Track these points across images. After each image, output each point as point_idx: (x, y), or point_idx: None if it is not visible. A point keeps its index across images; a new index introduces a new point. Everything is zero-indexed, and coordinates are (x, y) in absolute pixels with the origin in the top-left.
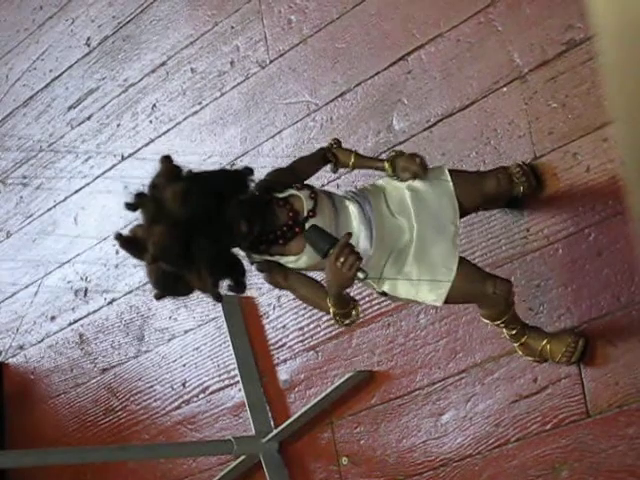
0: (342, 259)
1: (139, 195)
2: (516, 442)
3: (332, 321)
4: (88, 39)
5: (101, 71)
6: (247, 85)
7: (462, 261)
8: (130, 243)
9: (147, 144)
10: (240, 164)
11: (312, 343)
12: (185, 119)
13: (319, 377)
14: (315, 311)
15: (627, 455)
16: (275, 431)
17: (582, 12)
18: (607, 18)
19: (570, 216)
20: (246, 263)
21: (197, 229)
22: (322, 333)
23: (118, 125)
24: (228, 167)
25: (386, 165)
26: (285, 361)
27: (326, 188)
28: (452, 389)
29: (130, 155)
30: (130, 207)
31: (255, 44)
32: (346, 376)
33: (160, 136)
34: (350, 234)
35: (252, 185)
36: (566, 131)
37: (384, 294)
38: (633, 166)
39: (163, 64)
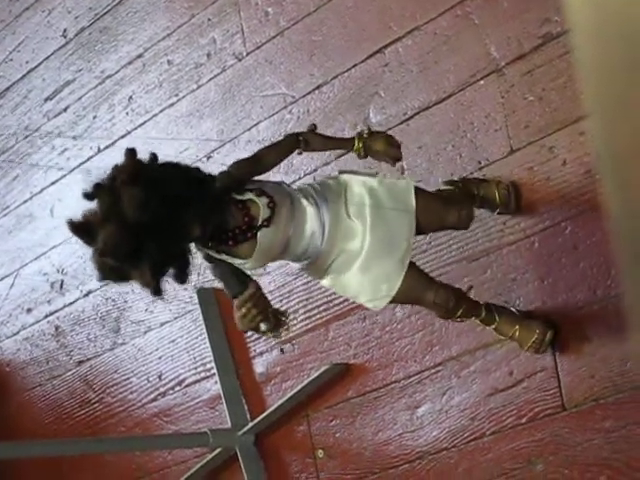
0: (244, 310)
1: (97, 186)
2: (492, 435)
3: (308, 314)
4: (65, 30)
5: (78, 63)
6: (224, 77)
7: (409, 269)
8: (81, 229)
9: (123, 136)
10: (217, 156)
11: (288, 336)
12: (162, 111)
13: (295, 370)
14: (290, 304)
15: (603, 448)
16: (251, 424)
17: (558, 6)
18: (583, 12)
19: (546, 210)
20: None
21: (148, 234)
22: (298, 326)
23: (94, 117)
24: (189, 165)
25: (355, 143)
26: (261, 354)
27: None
28: (428, 382)
29: (107, 147)
30: (87, 197)
31: (232, 36)
32: (322, 369)
33: (136, 128)
34: (256, 286)
35: (210, 182)
36: (542, 125)
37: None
38: (608, 160)
39: (140, 56)
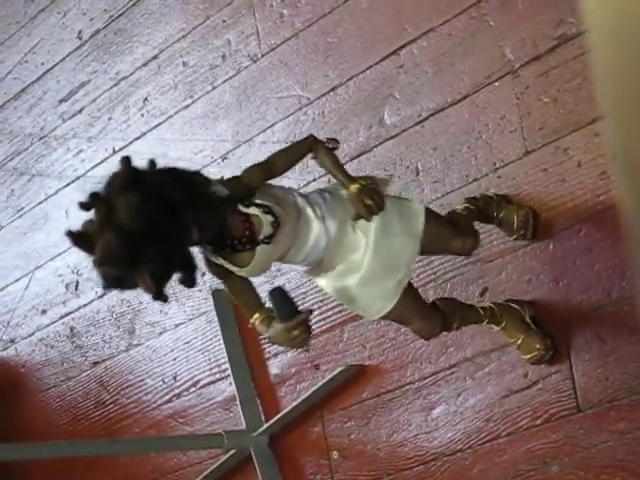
0: (296, 333)
1: (93, 196)
2: (507, 437)
3: (323, 315)
4: (80, 32)
5: (93, 64)
6: (239, 79)
7: (405, 294)
8: (80, 239)
9: (138, 137)
10: (232, 158)
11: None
12: (177, 113)
13: (310, 371)
14: (305, 305)
15: (617, 450)
16: (266, 425)
17: (574, 7)
18: (599, 13)
19: (561, 211)
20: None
21: (145, 240)
22: (313, 327)
23: (109, 118)
24: (189, 169)
25: (352, 188)
26: (276, 355)
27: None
28: (443, 384)
29: (121, 149)
30: (83, 207)
31: (247, 38)
32: (337, 370)
33: (151, 129)
34: (311, 312)
35: (214, 189)
36: (557, 126)
37: None
38: (624, 161)
39: (155, 57)
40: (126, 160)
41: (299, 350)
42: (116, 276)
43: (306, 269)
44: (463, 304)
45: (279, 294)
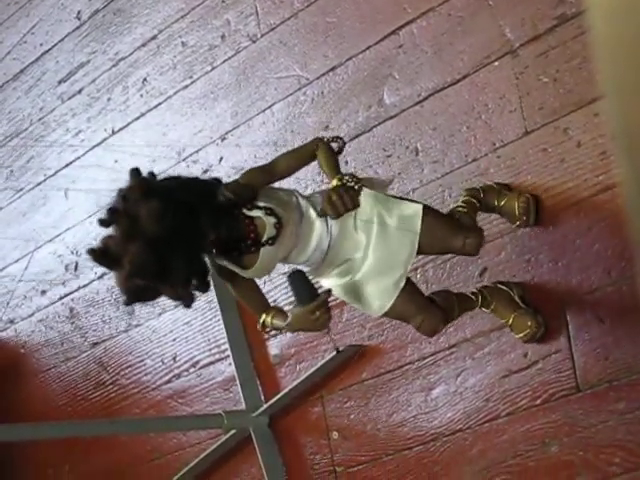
0: (318, 314)
1: (112, 211)
2: (506, 417)
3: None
4: (79, 12)
5: (92, 45)
6: (238, 59)
7: (404, 292)
8: (103, 257)
9: (138, 118)
10: (231, 138)
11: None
12: (176, 93)
13: (309, 352)
14: None
15: (617, 430)
16: (265, 405)
17: None
18: None
19: (562, 190)
20: None
21: (172, 245)
22: None
23: (109, 99)
24: (189, 176)
25: (335, 181)
26: (275, 335)
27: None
28: (442, 364)
29: (121, 129)
30: (104, 224)
31: (246, 18)
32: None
33: (151, 110)
34: (330, 292)
35: (221, 192)
36: (557, 106)
37: None
38: (624, 141)
39: (154, 38)
40: (136, 172)
41: (321, 332)
42: (142, 288)
43: (309, 269)
44: (456, 294)
45: (298, 278)
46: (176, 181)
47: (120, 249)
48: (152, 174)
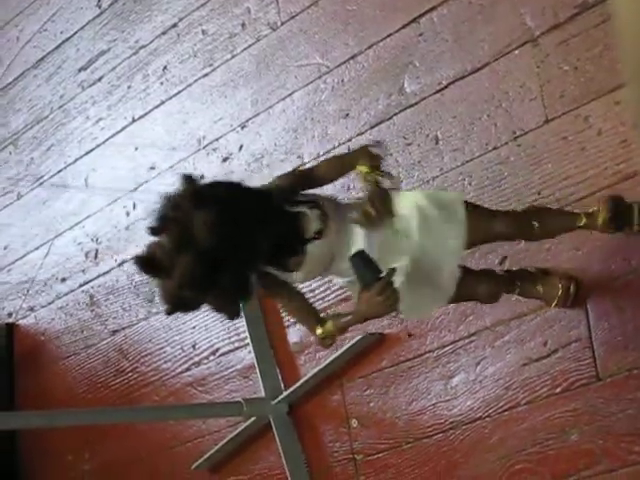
0: (386, 294)
1: (163, 218)
2: (526, 405)
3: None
4: (99, 0)
5: (112, 33)
6: (258, 47)
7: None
8: (149, 265)
9: (158, 106)
10: (251, 126)
11: (323, 305)
12: (196, 81)
13: None
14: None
15: (637, 418)
16: (285, 393)
17: None
18: None
19: (581, 179)
20: None
21: (224, 256)
22: (332, 295)
23: (129, 87)
24: (235, 181)
25: (362, 169)
26: (295, 323)
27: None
28: (462, 352)
29: (141, 117)
30: (154, 231)
31: (266, 6)
32: (356, 338)
33: (171, 98)
34: (394, 269)
35: (266, 194)
36: (578, 94)
37: None
38: None
39: (174, 26)
40: (189, 177)
41: (393, 315)
42: (188, 299)
43: (350, 280)
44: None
45: (361, 258)
46: (227, 188)
47: (170, 259)
48: (200, 177)
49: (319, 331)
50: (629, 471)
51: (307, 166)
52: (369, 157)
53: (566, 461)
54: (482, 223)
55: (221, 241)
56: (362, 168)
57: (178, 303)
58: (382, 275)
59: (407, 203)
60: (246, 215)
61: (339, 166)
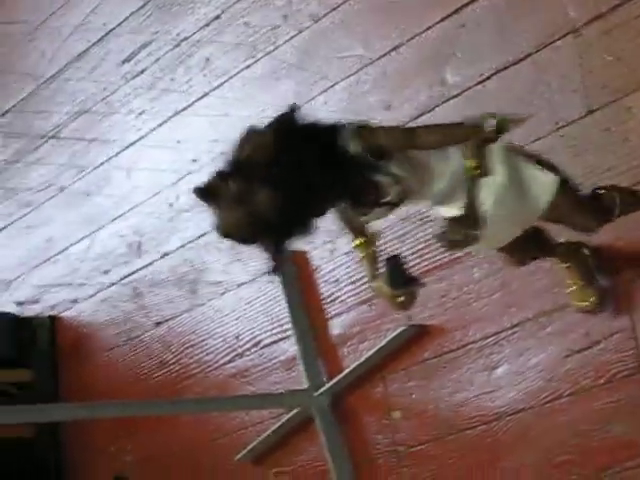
0: (401, 300)
1: (236, 166)
2: (568, 397)
3: None
4: None
5: (154, 25)
6: (300, 39)
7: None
8: (208, 194)
9: (200, 98)
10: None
11: (365, 297)
12: (238, 73)
13: (372, 331)
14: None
15: None
16: (327, 385)
17: None
18: None
19: (624, 170)
20: None
21: (275, 228)
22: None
23: (171, 79)
24: (331, 128)
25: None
26: (338, 315)
27: None
28: (505, 343)
29: (184, 109)
30: (221, 175)
31: None
32: (399, 330)
33: (213, 90)
34: (423, 285)
35: (347, 144)
36: (620, 85)
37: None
38: None
39: (217, 18)
40: (275, 132)
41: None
42: (255, 231)
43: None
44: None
45: (394, 264)
46: (310, 146)
47: (226, 200)
48: (295, 110)
49: (354, 242)
50: None
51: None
52: (476, 148)
53: (609, 453)
54: (562, 216)
55: (278, 220)
56: (468, 163)
57: (242, 233)
58: (411, 282)
59: (500, 164)
60: (310, 192)
61: (450, 136)
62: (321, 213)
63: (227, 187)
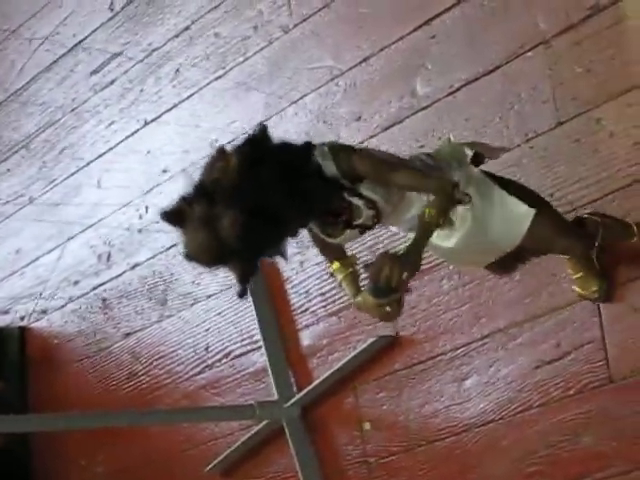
0: (388, 309)
1: (199, 190)
2: (539, 408)
3: None
4: (111, 3)
5: (124, 36)
6: (270, 50)
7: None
8: (173, 217)
9: (170, 109)
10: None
11: (335, 308)
12: (208, 84)
13: (342, 342)
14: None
15: None
16: (297, 396)
17: None
18: None
19: (594, 182)
20: None
21: (238, 253)
22: (345, 298)
23: (141, 90)
24: (304, 150)
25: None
26: (308, 326)
27: None
28: (475, 354)
29: (153, 120)
30: (185, 200)
31: (278, 8)
32: (369, 341)
33: (183, 101)
34: (409, 291)
35: (323, 164)
36: (590, 97)
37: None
38: None
39: (187, 28)
40: (241, 156)
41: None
42: (221, 254)
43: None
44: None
45: None
46: (276, 168)
47: (190, 221)
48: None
49: (332, 267)
50: None
51: (387, 160)
52: (441, 203)
53: (579, 464)
54: (541, 243)
55: (242, 245)
56: (427, 210)
57: (208, 257)
58: (393, 290)
59: (473, 194)
60: (276, 217)
61: (419, 186)
62: (291, 235)
63: (192, 211)
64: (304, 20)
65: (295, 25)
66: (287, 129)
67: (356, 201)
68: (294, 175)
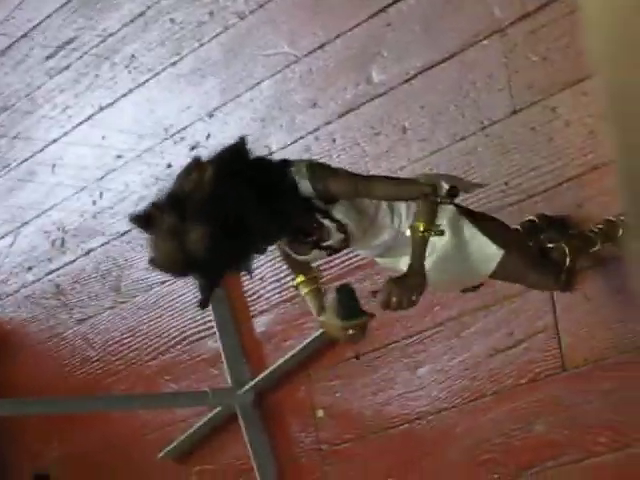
0: (351, 333)
1: (172, 200)
2: (492, 396)
3: None
4: None
5: (79, 21)
6: (226, 36)
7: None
8: (143, 221)
9: (125, 94)
10: (219, 115)
11: (289, 295)
12: (164, 70)
13: (296, 329)
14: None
15: (603, 410)
16: (251, 383)
17: None
18: None
19: (549, 170)
20: None
21: (203, 266)
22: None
23: (96, 75)
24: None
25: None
26: (262, 312)
27: None
28: (429, 342)
29: (108, 105)
30: (156, 207)
31: None
32: (322, 329)
33: (139, 86)
34: (373, 316)
35: (298, 182)
36: (546, 85)
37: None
38: (614, 119)
39: (142, 14)
40: (217, 169)
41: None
42: (187, 264)
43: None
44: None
45: (345, 294)
46: (248, 188)
47: (159, 229)
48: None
49: (296, 280)
50: (594, 462)
51: (362, 174)
52: (429, 199)
53: (531, 451)
54: (512, 277)
55: (207, 259)
56: (417, 224)
57: (173, 267)
58: (360, 313)
59: (447, 230)
60: (245, 233)
61: (398, 194)
62: (258, 252)
63: (162, 219)
64: (260, 6)
65: (251, 11)
66: (243, 115)
67: (327, 223)
68: (268, 192)
